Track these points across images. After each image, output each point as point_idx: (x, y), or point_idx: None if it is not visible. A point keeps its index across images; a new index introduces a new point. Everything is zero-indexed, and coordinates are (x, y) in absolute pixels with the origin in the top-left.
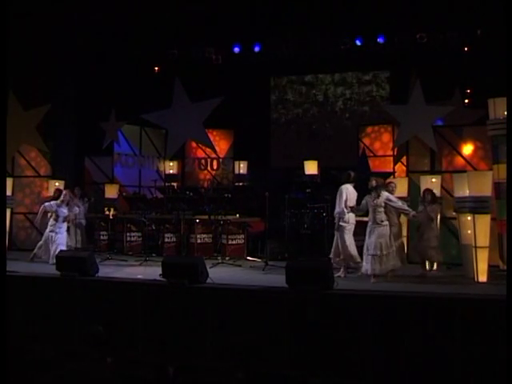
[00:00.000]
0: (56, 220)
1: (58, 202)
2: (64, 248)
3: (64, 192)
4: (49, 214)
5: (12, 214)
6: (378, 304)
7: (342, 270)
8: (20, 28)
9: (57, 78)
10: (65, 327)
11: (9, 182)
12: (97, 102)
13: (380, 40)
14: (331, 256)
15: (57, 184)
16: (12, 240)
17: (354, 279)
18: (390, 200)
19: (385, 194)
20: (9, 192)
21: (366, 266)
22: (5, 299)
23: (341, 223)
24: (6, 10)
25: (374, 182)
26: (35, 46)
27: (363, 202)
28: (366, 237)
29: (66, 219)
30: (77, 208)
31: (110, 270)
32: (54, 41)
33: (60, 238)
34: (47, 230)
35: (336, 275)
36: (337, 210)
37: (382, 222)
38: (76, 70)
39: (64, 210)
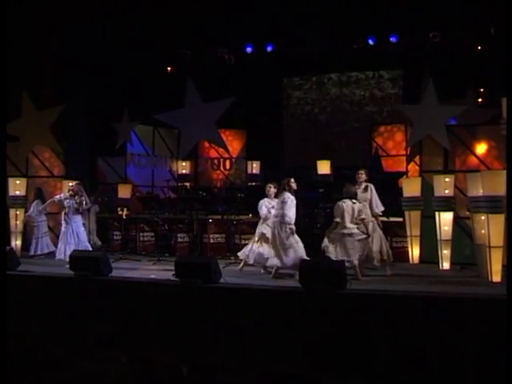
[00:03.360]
0: (67, 214)
1: (67, 194)
2: (86, 243)
3: (73, 184)
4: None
5: (26, 214)
6: (392, 304)
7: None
8: (33, 29)
9: (70, 78)
10: (78, 327)
11: (23, 182)
12: (110, 103)
13: (393, 39)
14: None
15: (70, 184)
16: (26, 240)
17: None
18: None
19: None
20: (23, 192)
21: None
22: (5, 299)
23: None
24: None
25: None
26: (49, 47)
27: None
28: None
29: (78, 211)
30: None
31: (124, 269)
32: (67, 41)
33: (80, 234)
34: (62, 227)
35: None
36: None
37: None
38: (89, 70)
39: (73, 202)
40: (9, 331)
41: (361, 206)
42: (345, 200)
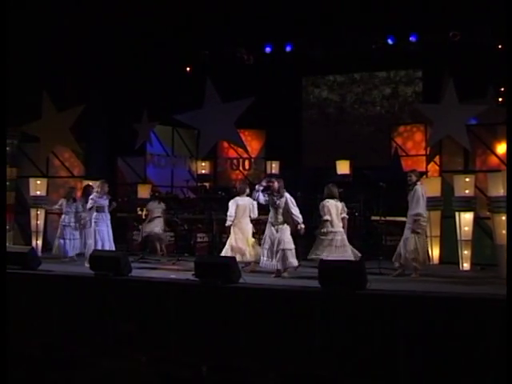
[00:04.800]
0: (98, 211)
1: (96, 194)
2: (108, 243)
3: (98, 183)
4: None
5: (46, 213)
6: (412, 304)
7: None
8: (53, 30)
9: (90, 79)
10: (98, 326)
11: (43, 182)
12: (129, 103)
13: (412, 38)
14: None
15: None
16: (47, 239)
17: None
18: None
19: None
20: (43, 192)
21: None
22: (5, 299)
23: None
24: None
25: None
26: (69, 48)
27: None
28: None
29: (105, 209)
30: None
31: (143, 269)
32: (87, 42)
33: (102, 232)
34: (94, 226)
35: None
36: (416, 211)
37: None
38: (109, 71)
39: (104, 201)
40: (22, 331)
41: (343, 205)
42: (328, 200)
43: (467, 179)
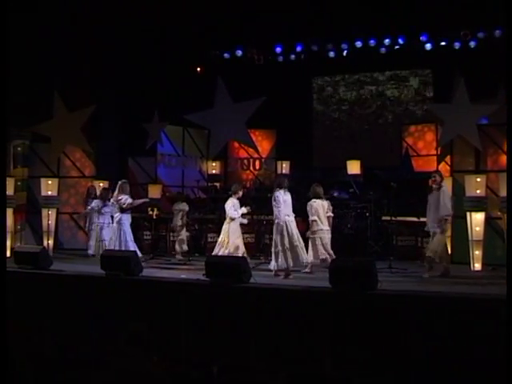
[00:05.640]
0: (122, 212)
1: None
2: (132, 243)
3: (119, 183)
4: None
5: (58, 213)
6: (423, 305)
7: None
8: (65, 30)
9: (101, 79)
10: (109, 326)
11: (54, 182)
12: (140, 103)
13: (423, 38)
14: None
15: (101, 184)
16: (58, 239)
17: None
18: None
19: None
20: (54, 192)
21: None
22: (5, 299)
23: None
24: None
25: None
26: (80, 48)
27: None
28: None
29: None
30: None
31: (154, 269)
32: (97, 42)
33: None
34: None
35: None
36: (447, 212)
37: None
38: (119, 71)
39: (129, 200)
40: (33, 331)
41: (328, 204)
42: (315, 200)
43: (478, 179)
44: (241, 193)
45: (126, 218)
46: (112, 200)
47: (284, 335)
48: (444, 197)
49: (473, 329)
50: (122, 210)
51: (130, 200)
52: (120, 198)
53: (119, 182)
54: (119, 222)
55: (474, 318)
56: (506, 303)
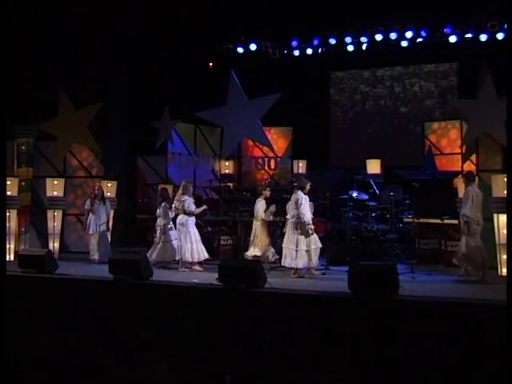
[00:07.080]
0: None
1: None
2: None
3: (183, 183)
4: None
5: (64, 215)
6: (447, 312)
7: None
8: (73, 27)
9: (109, 76)
10: (118, 332)
11: (60, 182)
12: (150, 100)
13: (447, 30)
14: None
15: (109, 185)
16: (64, 242)
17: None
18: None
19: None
20: (60, 193)
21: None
22: (5, 299)
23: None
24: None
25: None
26: (88, 46)
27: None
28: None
29: None
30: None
31: (165, 273)
32: (106, 39)
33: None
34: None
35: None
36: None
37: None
38: (129, 68)
39: (192, 207)
40: (41, 336)
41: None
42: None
43: (505, 179)
44: (269, 193)
45: (192, 220)
46: (175, 200)
47: (301, 343)
48: (466, 197)
49: (500, 336)
50: (186, 213)
51: (192, 208)
52: (184, 198)
53: (183, 182)
54: (185, 224)
55: (498, 327)
56: (507, 303)
